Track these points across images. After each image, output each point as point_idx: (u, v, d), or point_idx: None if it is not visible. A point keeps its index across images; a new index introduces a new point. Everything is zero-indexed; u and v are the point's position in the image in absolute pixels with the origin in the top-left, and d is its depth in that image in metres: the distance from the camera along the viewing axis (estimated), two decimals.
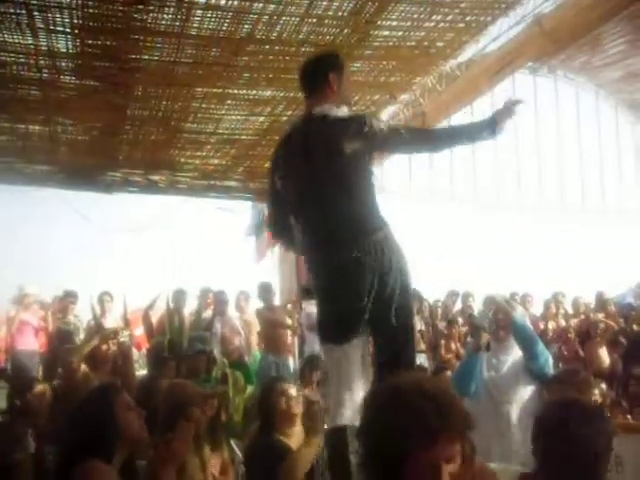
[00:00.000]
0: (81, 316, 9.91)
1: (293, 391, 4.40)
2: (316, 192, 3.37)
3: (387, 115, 8.01)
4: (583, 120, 13.21)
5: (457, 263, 13.50)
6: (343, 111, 3.43)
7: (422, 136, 3.83)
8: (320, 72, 3.48)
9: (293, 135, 3.53)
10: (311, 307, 7.49)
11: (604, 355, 9.30)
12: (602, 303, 10.83)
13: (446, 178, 12.45)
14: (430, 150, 3.84)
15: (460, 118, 9.98)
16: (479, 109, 10.16)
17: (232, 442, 5.67)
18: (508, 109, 3.51)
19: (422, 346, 9.38)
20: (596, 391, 5.26)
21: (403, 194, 11.10)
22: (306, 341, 9.57)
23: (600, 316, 10.22)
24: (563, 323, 10.58)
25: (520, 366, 5.27)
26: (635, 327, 9.95)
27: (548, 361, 5.20)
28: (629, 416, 6.95)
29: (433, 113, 7.82)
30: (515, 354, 5.36)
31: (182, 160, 8.63)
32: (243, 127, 7.72)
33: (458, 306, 11.01)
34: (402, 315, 3.36)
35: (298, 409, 4.35)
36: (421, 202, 11.95)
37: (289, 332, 8.80)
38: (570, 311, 10.99)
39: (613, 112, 13.34)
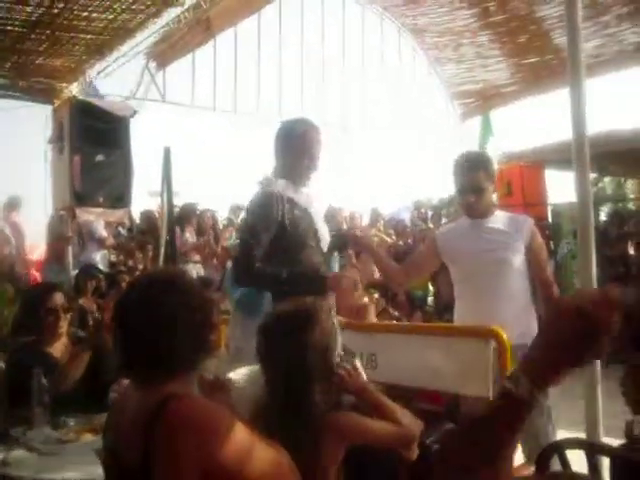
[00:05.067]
0: None
1: (62, 307, 4.21)
2: None
3: (167, 19, 7.65)
4: (367, 41, 13.42)
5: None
6: None
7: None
8: None
9: None
10: (85, 214, 7.16)
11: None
12: (375, 218, 11.53)
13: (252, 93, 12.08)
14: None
15: (247, 26, 9.84)
16: (265, 18, 10.09)
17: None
18: None
19: None
20: (366, 298, 5.64)
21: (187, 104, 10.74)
22: (84, 250, 9.27)
23: (373, 231, 10.88)
24: None
25: None
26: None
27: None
28: (394, 321, 7.55)
29: (218, 20, 7.61)
30: None
31: None
32: (8, 16, 6.99)
33: None
34: None
35: (65, 328, 4.23)
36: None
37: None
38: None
39: (396, 36, 13.67)
